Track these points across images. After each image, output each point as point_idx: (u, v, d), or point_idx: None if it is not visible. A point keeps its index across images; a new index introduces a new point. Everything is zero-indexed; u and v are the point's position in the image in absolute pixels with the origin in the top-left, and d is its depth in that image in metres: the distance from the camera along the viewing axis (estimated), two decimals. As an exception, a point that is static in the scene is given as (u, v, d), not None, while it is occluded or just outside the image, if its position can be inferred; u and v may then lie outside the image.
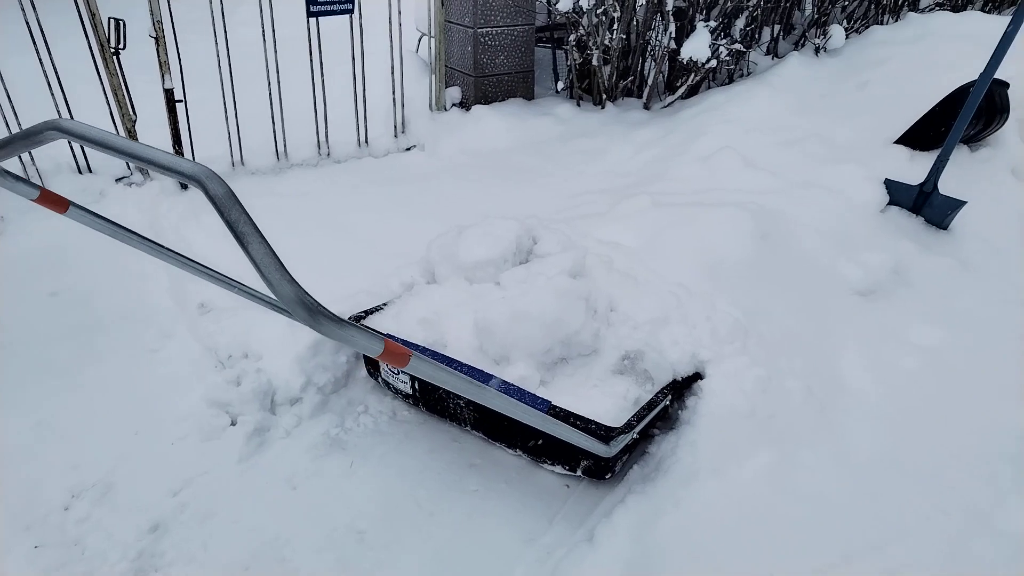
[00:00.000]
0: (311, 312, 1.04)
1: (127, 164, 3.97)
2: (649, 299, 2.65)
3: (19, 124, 3.63)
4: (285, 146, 4.21)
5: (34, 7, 3.48)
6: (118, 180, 3.97)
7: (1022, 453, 2.23)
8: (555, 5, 4.63)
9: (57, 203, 1.47)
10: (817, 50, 4.73)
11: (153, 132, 3.90)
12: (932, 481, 2.15)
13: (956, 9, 5.66)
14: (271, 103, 4.09)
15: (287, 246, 3.11)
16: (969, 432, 2.33)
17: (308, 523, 2.12)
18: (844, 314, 2.82)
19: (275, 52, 3.95)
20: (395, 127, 4.60)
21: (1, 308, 2.97)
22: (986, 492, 2.11)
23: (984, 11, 5.81)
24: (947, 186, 3.25)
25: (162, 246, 1.67)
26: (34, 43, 3.53)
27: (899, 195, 3.34)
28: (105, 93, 3.80)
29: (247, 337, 2.69)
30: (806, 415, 2.35)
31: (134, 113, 3.90)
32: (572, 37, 4.72)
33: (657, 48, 4.77)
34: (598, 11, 4.43)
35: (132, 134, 3.88)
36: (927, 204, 3.26)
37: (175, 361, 2.71)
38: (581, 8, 4.46)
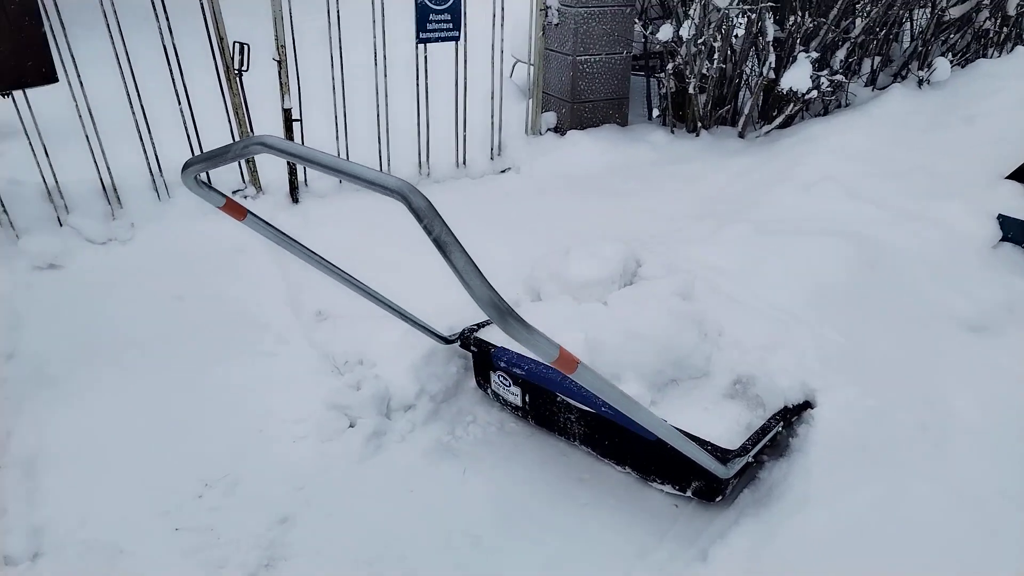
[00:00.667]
0: (503, 314, 1.13)
1: (241, 178, 4.20)
2: (757, 324, 2.67)
3: (152, 139, 3.88)
4: (389, 165, 4.39)
5: (171, 32, 3.75)
6: (234, 193, 4.19)
7: None
8: (655, 35, 4.71)
9: (238, 211, 1.62)
10: (920, 82, 4.67)
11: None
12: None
13: (1067, 43, 5.48)
14: (378, 124, 4.28)
15: (389, 259, 3.24)
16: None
17: (425, 525, 2.21)
18: (955, 348, 2.76)
19: (385, 76, 4.14)
20: (491, 149, 4.73)
21: (133, 309, 3.18)
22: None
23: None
24: (1064, 224, 3.17)
25: (320, 256, 1.79)
26: (168, 66, 3.79)
27: (1014, 231, 3.26)
28: (227, 111, 4.05)
29: (362, 345, 2.82)
30: (919, 447, 2.32)
31: (252, 130, 4.14)
32: (669, 66, 4.79)
33: (753, 77, 4.79)
34: (698, 40, 4.49)
35: (251, 150, 4.10)
36: (1043, 241, 3.18)
37: (293, 365, 2.85)
38: (680, 38, 4.53)
